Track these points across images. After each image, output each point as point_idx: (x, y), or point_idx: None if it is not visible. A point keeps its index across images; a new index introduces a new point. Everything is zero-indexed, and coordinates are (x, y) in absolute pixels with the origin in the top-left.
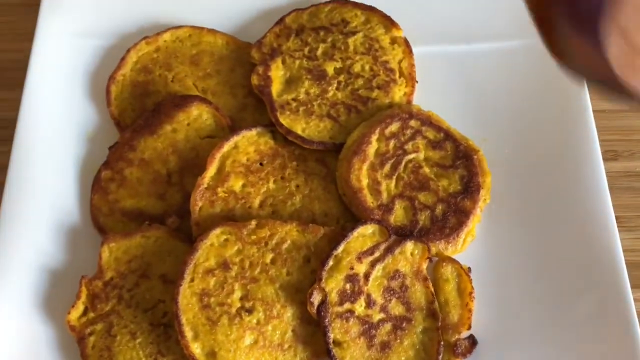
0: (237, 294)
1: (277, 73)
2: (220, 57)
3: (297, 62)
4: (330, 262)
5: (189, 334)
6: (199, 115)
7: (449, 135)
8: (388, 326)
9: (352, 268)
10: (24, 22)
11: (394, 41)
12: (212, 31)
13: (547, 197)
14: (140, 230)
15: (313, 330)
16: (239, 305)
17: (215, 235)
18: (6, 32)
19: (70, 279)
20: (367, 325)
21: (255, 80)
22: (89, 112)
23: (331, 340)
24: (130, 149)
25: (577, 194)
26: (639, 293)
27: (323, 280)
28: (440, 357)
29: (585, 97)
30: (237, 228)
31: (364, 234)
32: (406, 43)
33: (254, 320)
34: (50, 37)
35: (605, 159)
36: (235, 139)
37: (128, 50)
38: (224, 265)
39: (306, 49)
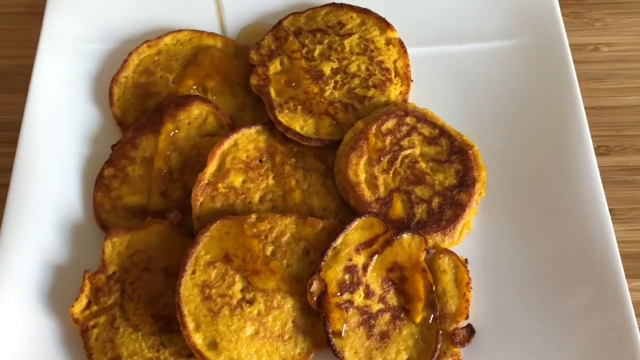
0: (238, 286)
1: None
2: (220, 59)
3: (295, 62)
4: (329, 254)
5: (190, 325)
6: (199, 115)
7: (444, 132)
8: (387, 316)
9: (350, 259)
10: (30, 29)
11: (389, 42)
12: (211, 34)
13: (541, 191)
14: (142, 225)
15: (313, 321)
16: (239, 296)
17: (216, 229)
18: (13, 38)
19: (74, 274)
20: (366, 316)
21: (254, 80)
22: (92, 113)
23: (331, 330)
24: (132, 147)
25: (570, 187)
26: (634, 283)
27: (322, 271)
28: (439, 346)
29: (576, 95)
30: (238, 221)
31: (362, 227)
32: (401, 44)
33: (255, 311)
34: (55, 42)
35: (597, 154)
36: (235, 136)
37: (130, 54)
38: (225, 258)
39: (304, 50)
